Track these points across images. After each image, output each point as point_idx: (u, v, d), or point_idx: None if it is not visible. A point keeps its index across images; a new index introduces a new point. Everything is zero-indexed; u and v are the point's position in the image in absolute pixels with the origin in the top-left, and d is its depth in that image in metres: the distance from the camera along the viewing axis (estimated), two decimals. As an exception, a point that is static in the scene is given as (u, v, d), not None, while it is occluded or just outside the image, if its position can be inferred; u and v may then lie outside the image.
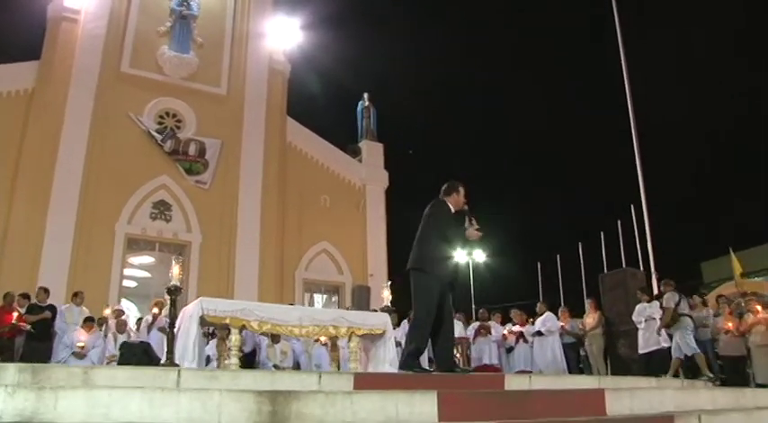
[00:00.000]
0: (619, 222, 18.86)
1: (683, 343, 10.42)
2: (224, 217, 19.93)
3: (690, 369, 11.03)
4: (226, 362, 7.92)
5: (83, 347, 10.98)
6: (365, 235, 22.58)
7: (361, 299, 21.45)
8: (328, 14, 25.93)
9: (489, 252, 31.16)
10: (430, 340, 6.75)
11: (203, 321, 7.81)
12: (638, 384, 6.81)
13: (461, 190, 6.97)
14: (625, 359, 11.99)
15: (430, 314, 6.59)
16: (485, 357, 12.79)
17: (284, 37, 22.68)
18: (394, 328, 9.82)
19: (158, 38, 20.31)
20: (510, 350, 13.25)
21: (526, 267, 26.68)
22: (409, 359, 6.52)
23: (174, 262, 8.49)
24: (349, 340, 8.71)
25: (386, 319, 9.02)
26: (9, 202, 17.06)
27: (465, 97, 51.70)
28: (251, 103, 21.43)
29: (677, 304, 10.64)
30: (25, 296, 11.74)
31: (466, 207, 6.99)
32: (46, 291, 12.05)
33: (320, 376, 5.08)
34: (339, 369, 9.76)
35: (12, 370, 4.60)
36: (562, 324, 12.93)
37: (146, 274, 21.22)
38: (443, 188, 7.06)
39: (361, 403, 4.15)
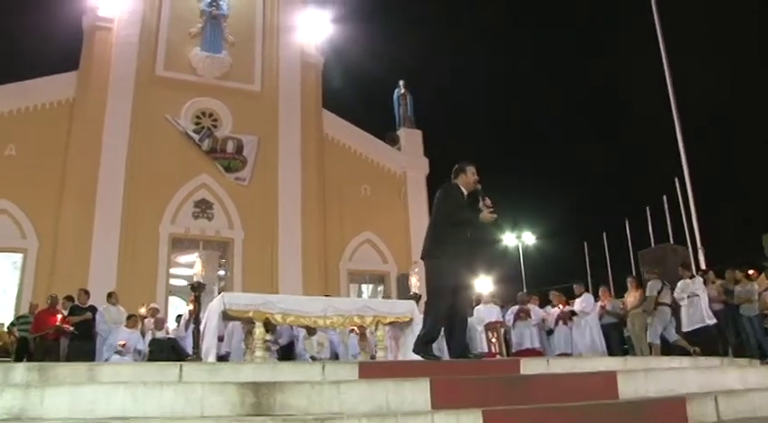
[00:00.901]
0: (665, 197, 18.25)
1: (652, 329, 10.87)
2: (265, 212, 20.12)
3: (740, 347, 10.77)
4: (254, 355, 7.99)
5: (124, 346, 11.26)
6: (408, 223, 22.47)
7: (406, 288, 21.39)
8: (356, 4, 25.67)
9: (538, 234, 30.71)
10: (444, 327, 6.64)
11: (226, 315, 7.89)
12: (660, 365, 6.53)
13: (470, 170, 6.73)
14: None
15: (443, 300, 6.45)
16: (525, 341, 12.60)
17: (315, 30, 22.68)
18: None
19: (190, 39, 20.59)
20: (550, 333, 13.00)
21: (574, 248, 26.15)
22: (421, 345, 6.42)
23: (196, 258, 8.58)
24: (376, 329, 8.67)
25: (412, 306, 8.94)
26: (58, 209, 17.65)
27: (504, 78, 50.82)
28: (285, 97, 21.55)
29: (659, 292, 10.76)
30: (69, 298, 12.11)
31: (478, 187, 6.78)
32: (86, 292, 12.41)
33: (324, 366, 5.03)
34: (373, 358, 9.73)
35: (20, 369, 4.71)
36: (603, 304, 12.60)
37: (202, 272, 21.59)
38: (453, 171, 6.90)
39: (349, 393, 4.08)
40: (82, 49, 19.41)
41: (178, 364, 4.78)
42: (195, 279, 8.23)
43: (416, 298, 9.42)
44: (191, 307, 12.35)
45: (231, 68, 20.90)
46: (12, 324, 12.97)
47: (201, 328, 8.05)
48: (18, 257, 17.37)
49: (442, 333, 6.68)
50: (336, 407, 4.06)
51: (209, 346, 7.81)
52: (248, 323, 8.31)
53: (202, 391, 3.77)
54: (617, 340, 12.52)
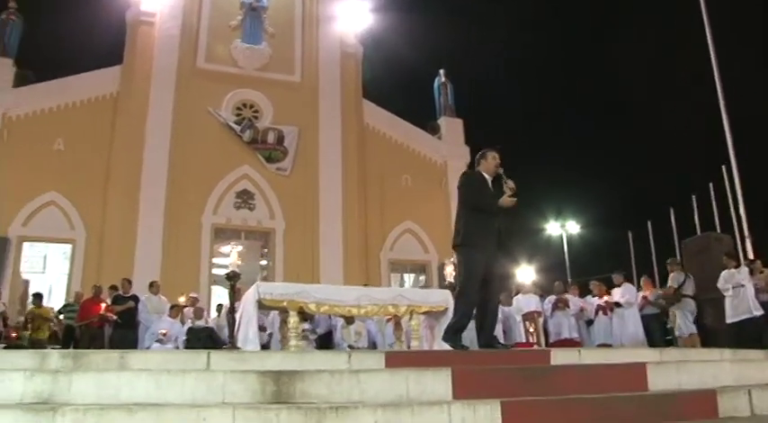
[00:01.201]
0: (711, 186, 17.74)
1: (682, 322, 10.66)
2: (306, 202, 20.27)
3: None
4: (289, 344, 8.06)
5: (165, 334, 11.50)
6: (449, 212, 22.26)
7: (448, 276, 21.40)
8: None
9: (583, 223, 30.25)
10: (475, 316, 6.61)
11: (261, 305, 7.98)
12: (696, 357, 6.36)
13: (491, 155, 6.72)
14: (711, 330, 11.28)
15: (473, 289, 6.41)
16: (563, 331, 12.37)
17: (354, 19, 22.64)
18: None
19: (231, 32, 20.82)
20: (590, 323, 12.79)
21: (618, 237, 25.65)
22: (450, 333, 6.40)
23: (231, 248, 8.70)
24: (410, 318, 8.67)
25: (447, 295, 8.91)
26: (104, 200, 18.11)
27: (544, 66, 49.95)
28: (325, 88, 21.63)
29: (681, 285, 10.66)
30: (114, 288, 12.44)
31: (501, 170, 6.72)
32: (129, 282, 12.71)
33: (350, 356, 5.04)
34: (409, 348, 9.74)
35: (56, 355, 4.86)
36: (645, 294, 12.34)
37: (239, 262, 21.92)
38: (476, 158, 6.89)
39: (369, 382, 4.09)
40: (125, 44, 19.81)
41: (206, 352, 4.85)
42: (231, 269, 8.35)
43: (452, 287, 9.37)
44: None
45: (271, 60, 21.07)
46: (59, 312, 13.38)
47: (237, 317, 8.17)
48: (68, 248, 17.92)
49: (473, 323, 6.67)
50: (357, 396, 4.08)
51: (245, 334, 7.92)
52: (284, 312, 8.40)
53: (224, 378, 3.83)
54: (659, 331, 12.25)
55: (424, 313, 8.71)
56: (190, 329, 9.63)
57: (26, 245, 17.97)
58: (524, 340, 11.86)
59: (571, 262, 28.34)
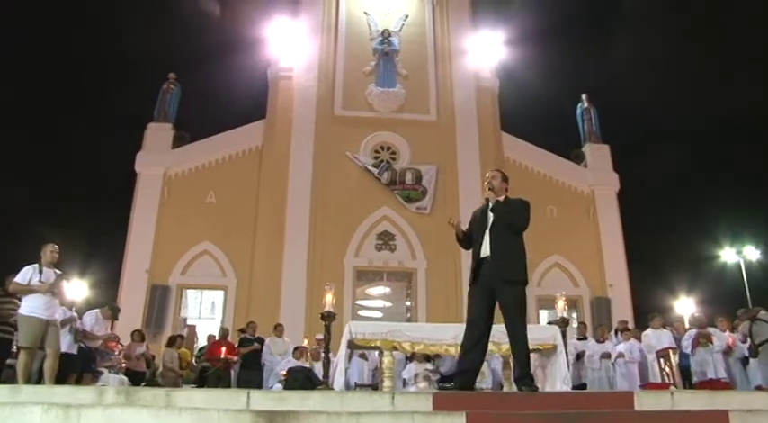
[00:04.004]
0: None
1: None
2: (447, 240, 19.55)
3: None
4: (383, 385, 7.82)
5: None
6: (599, 243, 21.14)
7: (601, 311, 20.06)
8: (526, 23, 24.94)
9: (763, 247, 27.20)
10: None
11: (352, 345, 7.82)
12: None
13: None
14: None
15: (469, 326, 6.15)
16: (708, 370, 10.81)
17: (487, 52, 22.41)
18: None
19: (365, 78, 21.39)
20: (746, 361, 11.10)
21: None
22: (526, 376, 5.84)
23: (327, 289, 8.65)
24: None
25: (555, 331, 8.21)
26: (252, 248, 19.09)
27: (698, 81, 45.90)
28: (462, 124, 21.47)
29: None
30: (242, 330, 12.90)
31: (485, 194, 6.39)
32: (254, 324, 13.14)
33: (393, 397, 4.70)
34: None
35: (111, 391, 5.01)
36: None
37: (386, 303, 22.05)
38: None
39: None
40: (268, 99, 21.03)
41: (246, 391, 4.77)
42: (326, 309, 8.30)
43: (563, 323, 8.65)
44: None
45: (406, 101, 21.32)
46: (197, 356, 14.10)
47: (335, 357, 8.07)
48: (219, 294, 19.01)
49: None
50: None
51: (339, 374, 7.79)
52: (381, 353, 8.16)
53: (218, 417, 3.70)
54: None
55: (531, 351, 8.03)
56: (290, 370, 9.67)
57: (190, 292, 19.38)
58: (659, 381, 10.54)
59: (752, 290, 25.42)
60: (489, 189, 6.35)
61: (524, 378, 5.80)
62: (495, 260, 6.01)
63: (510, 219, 6.13)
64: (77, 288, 18.31)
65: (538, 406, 4.64)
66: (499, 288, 5.96)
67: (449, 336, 7.92)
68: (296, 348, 12.15)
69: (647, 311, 16.06)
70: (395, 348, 7.82)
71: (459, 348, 7.91)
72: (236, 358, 12.12)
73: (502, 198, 6.30)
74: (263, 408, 4.48)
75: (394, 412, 3.99)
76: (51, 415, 3.79)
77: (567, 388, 7.83)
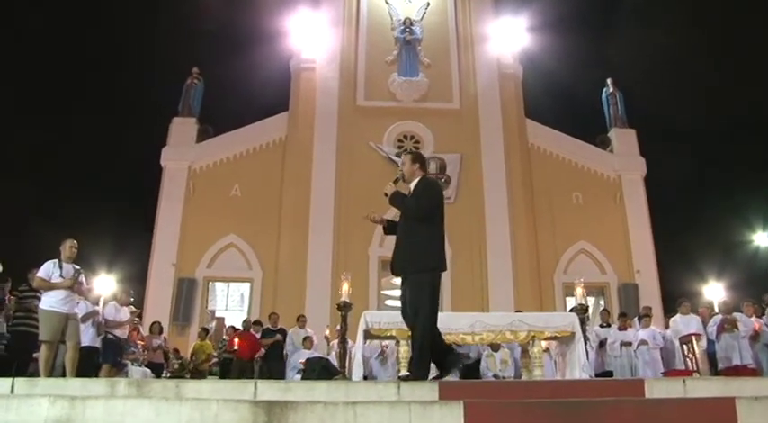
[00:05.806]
0: None
1: None
2: (472, 228, 19.92)
3: None
4: (400, 374, 7.82)
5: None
6: (626, 229, 20.85)
7: (629, 298, 19.81)
8: (549, 8, 24.51)
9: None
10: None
11: (368, 334, 7.85)
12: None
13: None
14: None
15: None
16: (734, 357, 10.60)
17: (510, 39, 22.14)
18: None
19: (387, 67, 21.34)
20: (772, 347, 10.87)
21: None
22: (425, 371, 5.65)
23: (343, 279, 8.67)
24: (532, 345, 8.02)
25: (573, 319, 8.13)
26: (277, 240, 19.23)
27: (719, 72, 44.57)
28: (486, 112, 21.30)
29: None
30: (258, 323, 13.06)
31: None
32: (276, 315, 13.26)
33: (399, 387, 4.70)
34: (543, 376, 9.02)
35: (123, 383, 5.11)
36: None
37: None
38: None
39: (366, 415, 3.74)
40: (290, 91, 21.12)
41: (253, 381, 4.82)
42: (342, 299, 8.33)
43: (582, 310, 8.56)
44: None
45: (429, 90, 21.22)
46: (219, 348, 14.26)
47: (351, 347, 8.11)
48: (246, 286, 19.20)
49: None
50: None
51: (357, 365, 7.83)
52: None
53: (217, 408, 3.74)
54: None
55: (552, 339, 7.99)
56: (307, 360, 9.75)
57: (218, 285, 19.61)
58: (683, 367, 10.36)
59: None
60: (402, 179, 6.21)
61: (409, 366, 5.75)
62: (395, 251, 6.07)
63: (404, 207, 6.01)
64: (105, 283, 18.59)
65: (544, 394, 4.60)
66: (403, 277, 5.99)
67: (465, 324, 7.92)
68: (305, 338, 12.26)
69: (675, 297, 15.80)
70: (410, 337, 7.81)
71: (473, 337, 7.95)
72: (262, 350, 12.23)
73: (416, 181, 6.09)
74: (267, 398, 4.54)
75: (392, 402, 3.98)
76: (57, 406, 3.89)
77: (586, 376, 7.75)
